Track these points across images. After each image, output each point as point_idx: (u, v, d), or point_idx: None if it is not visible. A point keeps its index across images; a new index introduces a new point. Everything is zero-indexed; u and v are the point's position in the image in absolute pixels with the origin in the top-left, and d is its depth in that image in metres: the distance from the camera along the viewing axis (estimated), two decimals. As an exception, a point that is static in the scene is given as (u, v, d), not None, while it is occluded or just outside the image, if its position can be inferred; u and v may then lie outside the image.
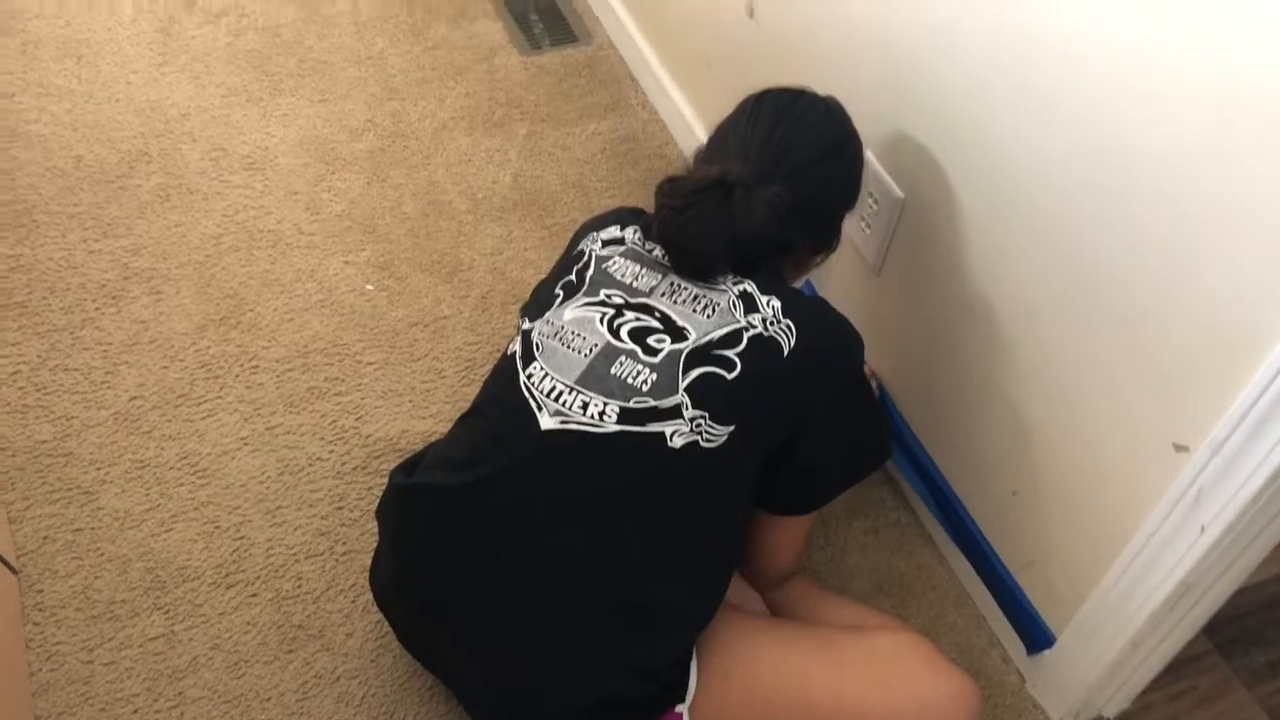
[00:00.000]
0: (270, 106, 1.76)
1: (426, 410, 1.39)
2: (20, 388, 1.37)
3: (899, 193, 1.18)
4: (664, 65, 1.76)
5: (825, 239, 1.08)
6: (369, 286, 1.52)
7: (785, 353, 0.93)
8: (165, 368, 1.41)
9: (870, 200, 1.23)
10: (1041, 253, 0.99)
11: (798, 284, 1.17)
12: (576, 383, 0.94)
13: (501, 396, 0.98)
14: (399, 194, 1.65)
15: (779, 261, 1.03)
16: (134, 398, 1.37)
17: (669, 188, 0.97)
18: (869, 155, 1.21)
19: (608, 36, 1.93)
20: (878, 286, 1.30)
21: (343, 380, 1.42)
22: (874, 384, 1.31)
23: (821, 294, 1.34)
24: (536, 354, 0.97)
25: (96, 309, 1.46)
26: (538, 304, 1.02)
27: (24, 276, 1.49)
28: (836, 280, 1.38)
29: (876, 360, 1.33)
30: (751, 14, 1.42)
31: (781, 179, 0.97)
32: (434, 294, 1.53)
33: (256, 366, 1.42)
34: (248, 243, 1.56)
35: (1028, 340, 1.05)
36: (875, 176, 1.21)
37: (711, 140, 1.05)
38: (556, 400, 0.93)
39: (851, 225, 1.29)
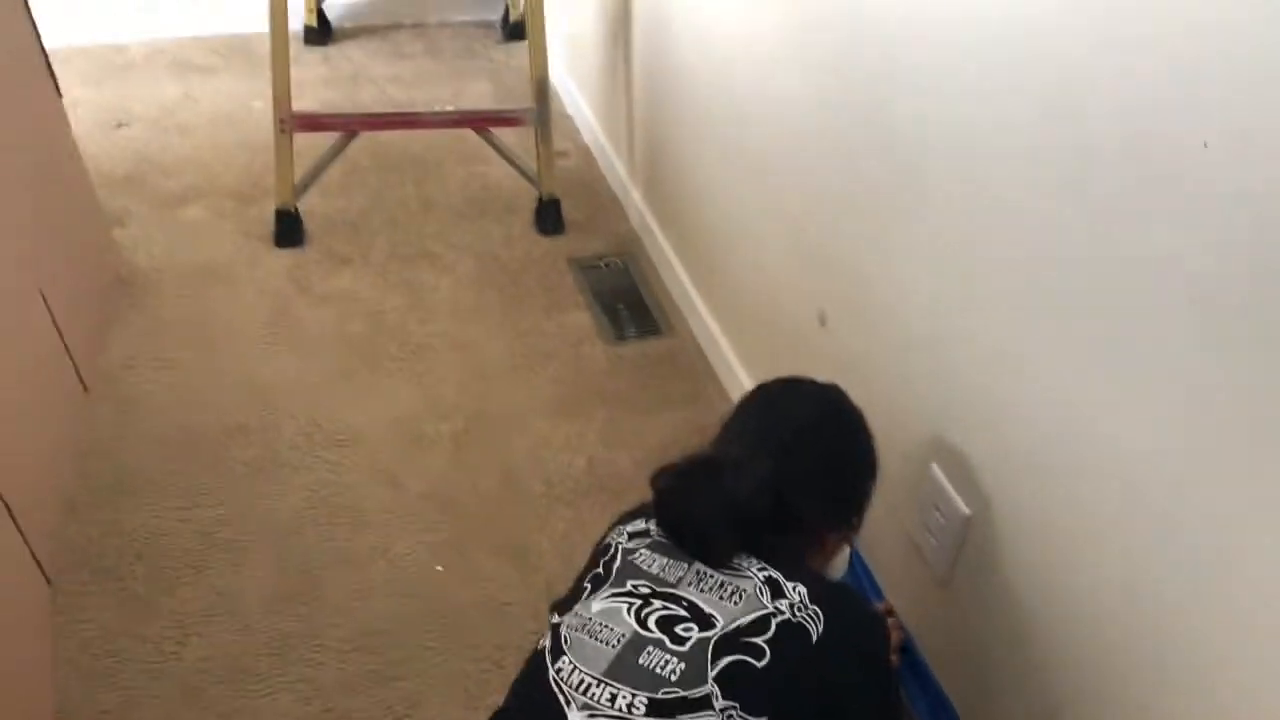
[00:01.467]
0: (367, 386, 1.86)
1: (481, 701, 1.37)
2: (93, 654, 1.40)
3: (965, 509, 1.18)
4: (741, 362, 1.83)
5: (838, 517, 1.09)
6: (439, 568, 1.55)
7: (814, 639, 0.92)
8: (234, 640, 1.43)
9: (936, 513, 1.23)
10: (1111, 582, 0.96)
11: (833, 565, 1.16)
12: (604, 674, 0.93)
13: (530, 692, 0.97)
14: (477, 474, 1.70)
15: (797, 543, 1.04)
16: (200, 670, 1.39)
17: (661, 472, 1.01)
18: (935, 469, 1.22)
19: (690, 331, 2.02)
20: (945, 597, 1.27)
21: (403, 664, 1.42)
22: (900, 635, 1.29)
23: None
24: (565, 648, 0.97)
25: (178, 577, 1.51)
26: (567, 599, 1.03)
27: (115, 541, 1.55)
28: (904, 589, 1.36)
29: (947, 679, 1.28)
30: (823, 322, 1.48)
31: (773, 454, 1.01)
32: (501, 578, 1.54)
33: (321, 645, 1.43)
34: (329, 518, 1.61)
35: (1094, 653, 1.00)
36: (940, 490, 1.21)
37: (717, 436, 1.09)
38: (585, 694, 0.92)
39: (918, 534, 1.28)
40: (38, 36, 1.82)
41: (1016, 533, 1.10)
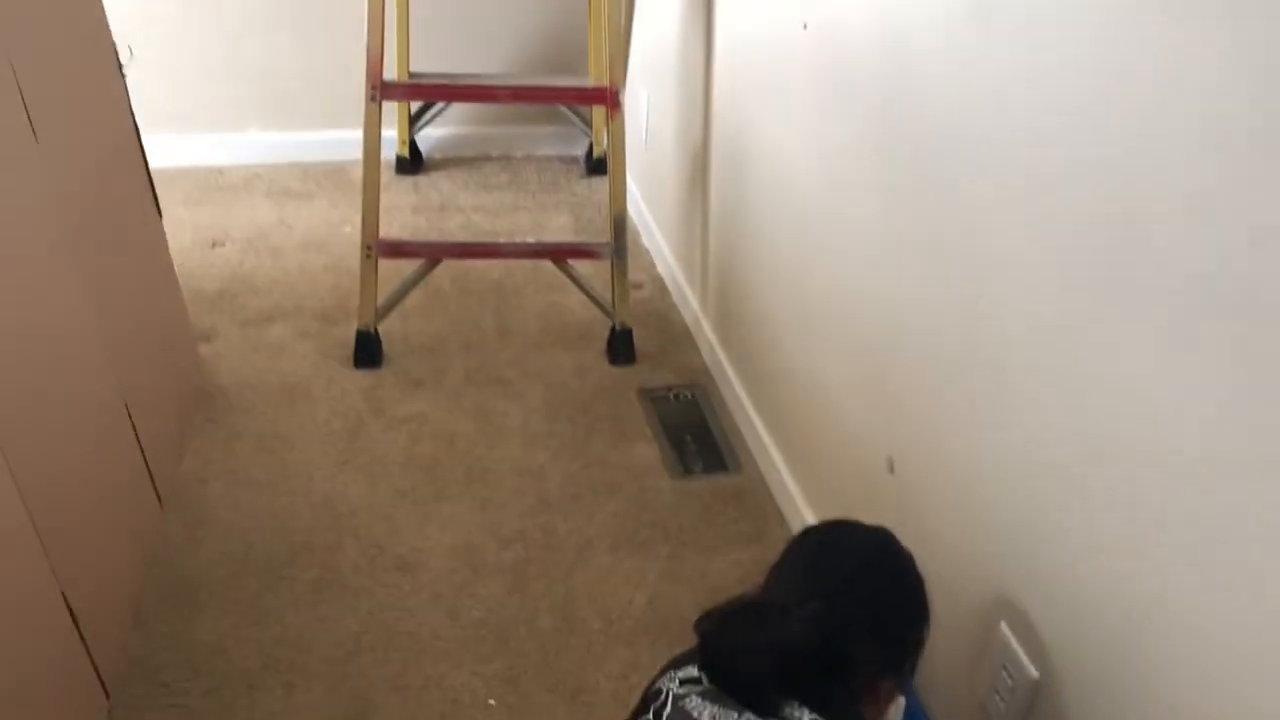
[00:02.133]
0: (432, 510, 1.87)
1: (527, 847, 1.33)
2: (143, 772, 1.40)
3: (1034, 673, 1.13)
4: (808, 502, 1.80)
5: (891, 664, 1.06)
6: (491, 701, 1.52)
7: None
8: (282, 767, 1.41)
9: (1004, 674, 1.18)
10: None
11: (887, 716, 1.11)
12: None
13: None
14: (537, 606, 1.68)
15: (848, 692, 1.00)
16: (245, 796, 1.37)
17: (706, 616, 0.98)
18: (1003, 627, 1.18)
19: (758, 468, 2.00)
20: (1017, 767, 1.21)
21: (449, 801, 1.38)
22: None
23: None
24: (614, 792, 0.94)
25: (233, 697, 1.50)
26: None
27: (176, 655, 1.56)
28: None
29: None
30: (892, 470, 1.45)
31: (821, 598, 0.98)
32: (553, 716, 1.51)
33: (368, 776, 1.41)
34: (385, 643, 1.60)
35: None
36: (1009, 651, 1.16)
37: (764, 580, 1.08)
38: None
39: (985, 694, 1.23)
40: (144, 158, 1.92)
41: (1087, 703, 1.05)
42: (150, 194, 1.94)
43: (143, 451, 1.75)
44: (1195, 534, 0.88)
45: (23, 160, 1.43)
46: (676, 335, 2.41)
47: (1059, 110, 1.03)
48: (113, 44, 1.80)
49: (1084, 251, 1.00)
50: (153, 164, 1.95)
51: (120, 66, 1.83)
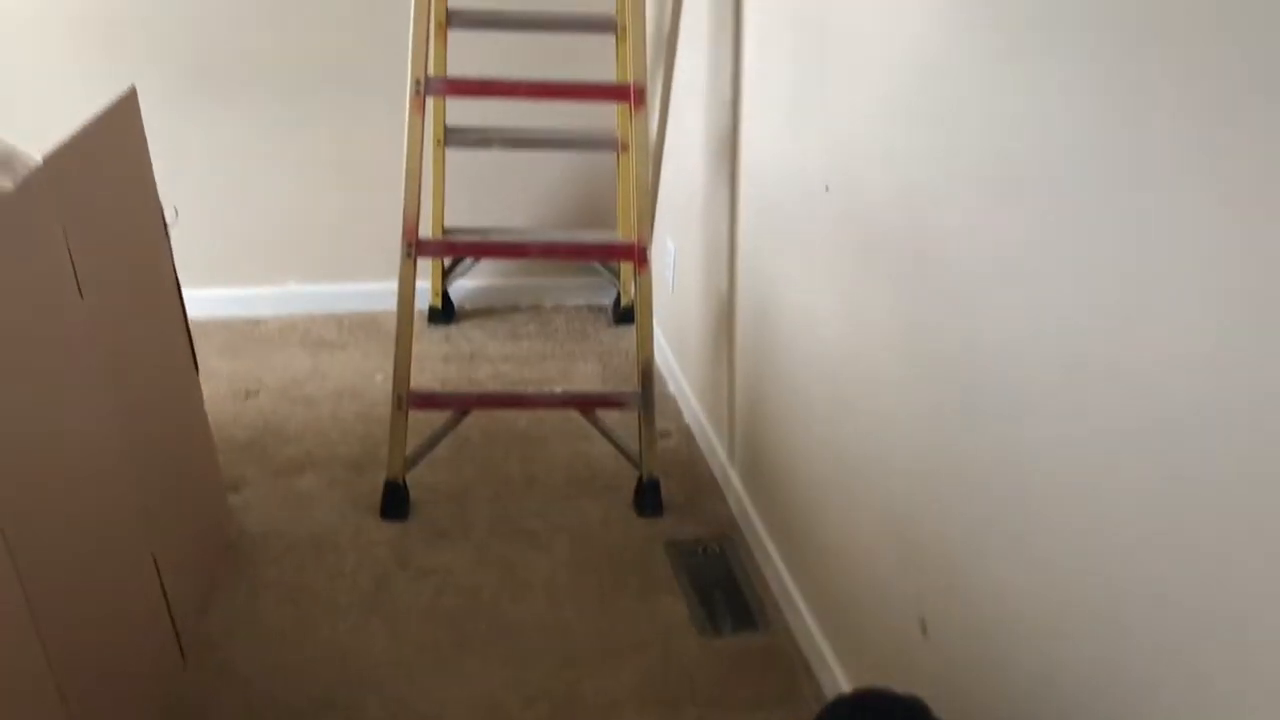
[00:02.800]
0: (456, 664, 1.84)
1: None
2: None
3: None
4: (839, 662, 1.76)
5: None
6: None
7: None
8: None
9: None
10: None
11: None
12: None
13: None
14: (561, 770, 1.64)
15: None
16: None
17: None
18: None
19: (787, 625, 1.96)
20: None
21: None
22: None
23: None
24: None
25: None
26: None
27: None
28: None
29: None
30: (924, 631, 1.42)
31: None
32: None
33: None
34: (404, 809, 1.56)
35: None
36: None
37: None
38: None
39: None
40: (184, 314, 1.98)
41: None
42: (188, 348, 1.99)
43: (168, 603, 1.74)
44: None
45: (68, 316, 1.48)
46: (704, 485, 2.41)
47: (1079, 288, 1.04)
48: (160, 205, 1.88)
49: (1115, 403, 1.00)
50: (193, 315, 2.00)
51: (166, 226, 1.90)
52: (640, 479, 2.28)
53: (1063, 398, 1.09)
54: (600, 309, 3.26)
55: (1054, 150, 1.09)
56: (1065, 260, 1.07)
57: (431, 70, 2.26)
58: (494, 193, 3.08)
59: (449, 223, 2.92)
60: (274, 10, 2.76)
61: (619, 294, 3.19)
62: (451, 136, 2.72)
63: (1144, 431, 0.96)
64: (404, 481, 2.23)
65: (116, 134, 1.70)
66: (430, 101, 2.20)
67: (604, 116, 2.80)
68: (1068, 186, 1.06)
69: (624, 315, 3.14)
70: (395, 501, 2.23)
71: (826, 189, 1.70)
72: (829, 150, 1.71)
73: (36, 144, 1.54)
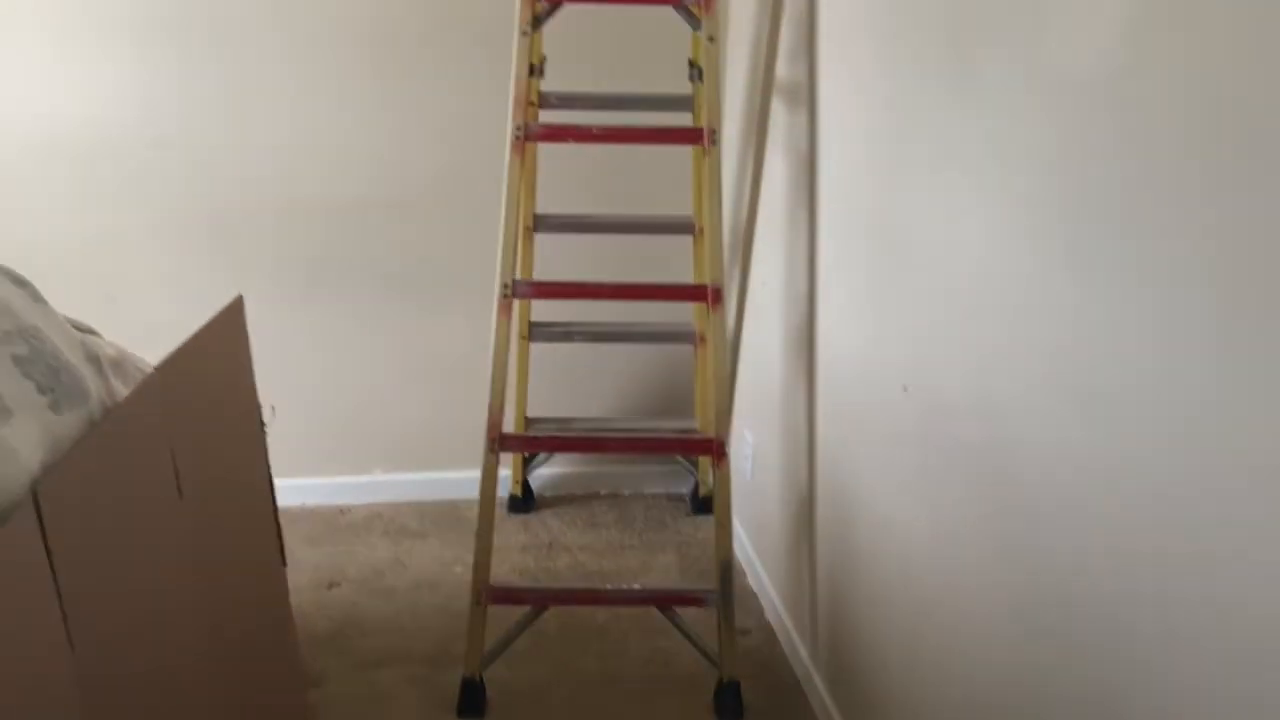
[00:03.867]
0: None
1: None
2: None
3: None
4: None
5: None
6: None
7: None
8: None
9: None
10: None
11: None
12: None
13: None
14: None
15: None
16: None
17: None
18: None
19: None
20: None
21: None
22: None
23: None
24: None
25: None
26: None
27: None
28: None
29: None
30: None
31: None
32: None
33: None
34: None
35: None
36: None
37: None
38: None
39: None
40: (274, 509, 2.03)
41: None
42: (277, 542, 2.03)
43: (243, 808, 1.72)
44: None
45: (167, 515, 1.53)
46: (787, 689, 2.33)
47: (1173, 511, 1.03)
48: (259, 404, 1.96)
49: (1206, 625, 0.97)
50: (281, 503, 2.05)
51: (262, 425, 1.97)
52: (720, 680, 2.23)
53: (1155, 626, 1.06)
54: (678, 498, 3.26)
55: (1131, 362, 1.09)
56: (1156, 483, 1.06)
57: (518, 270, 2.36)
58: (576, 381, 3.16)
59: (532, 412, 2.99)
60: (370, 216, 2.93)
61: (697, 483, 3.19)
62: (536, 331, 2.82)
63: (1253, 664, 0.93)
64: (480, 679, 2.21)
65: (223, 340, 1.79)
66: (516, 301, 2.29)
67: (683, 308, 2.88)
68: (1150, 402, 1.06)
69: (702, 504, 3.13)
70: (472, 700, 2.20)
71: (904, 390, 1.72)
72: (906, 351, 1.73)
73: (146, 342, 1.64)
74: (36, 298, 1.42)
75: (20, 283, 1.41)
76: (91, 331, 1.62)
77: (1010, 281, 1.37)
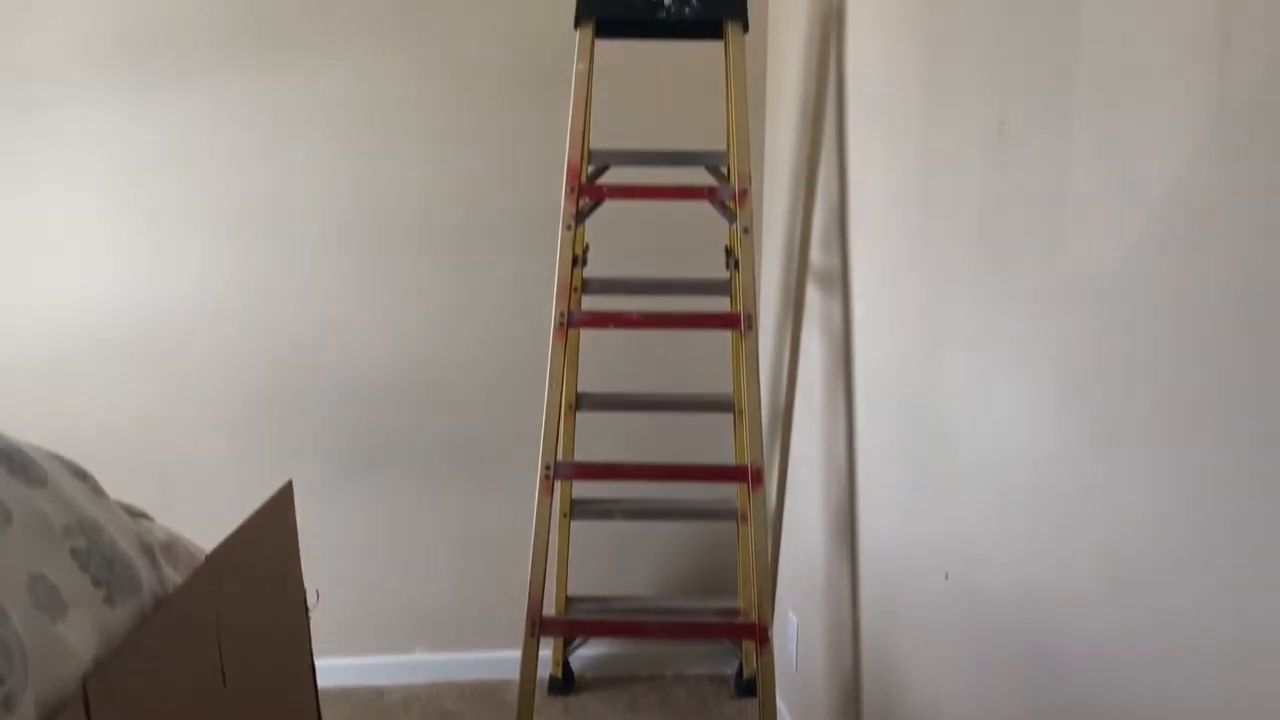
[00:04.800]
0: None
1: None
2: None
3: None
4: None
5: None
6: None
7: None
8: None
9: None
10: None
11: None
12: None
13: None
14: None
15: None
16: None
17: None
18: None
19: None
20: None
21: None
22: None
23: None
24: None
25: None
26: None
27: None
28: None
29: None
30: None
31: None
32: None
33: None
34: None
35: None
36: None
37: None
38: None
39: None
40: (315, 694, 2.02)
41: None
42: (316, 730, 2.02)
43: None
44: None
45: (211, 703, 1.54)
46: None
47: None
48: (304, 589, 1.98)
49: None
50: (320, 685, 2.04)
51: (307, 610, 1.99)
52: None
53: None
54: (722, 679, 3.19)
55: (1176, 556, 1.09)
56: (1205, 676, 1.04)
57: (560, 449, 2.41)
58: (618, 557, 3.16)
59: (573, 589, 2.98)
60: (417, 395, 3.02)
61: (741, 664, 3.13)
62: (578, 509, 2.84)
63: None
64: None
65: (272, 527, 1.83)
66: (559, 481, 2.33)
67: (726, 484, 2.90)
68: (1194, 594, 1.06)
69: (747, 687, 3.06)
70: None
71: (946, 577, 1.71)
72: (946, 535, 1.73)
73: (196, 519, 1.68)
74: (97, 490, 1.48)
75: (82, 476, 1.47)
76: (144, 515, 1.67)
77: (1046, 469, 1.38)
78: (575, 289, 2.66)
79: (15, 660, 1.08)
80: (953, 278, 1.71)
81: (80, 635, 1.21)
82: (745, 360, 2.26)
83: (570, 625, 2.78)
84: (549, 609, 2.75)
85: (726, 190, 2.30)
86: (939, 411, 1.76)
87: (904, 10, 1.93)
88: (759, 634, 2.17)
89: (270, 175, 2.90)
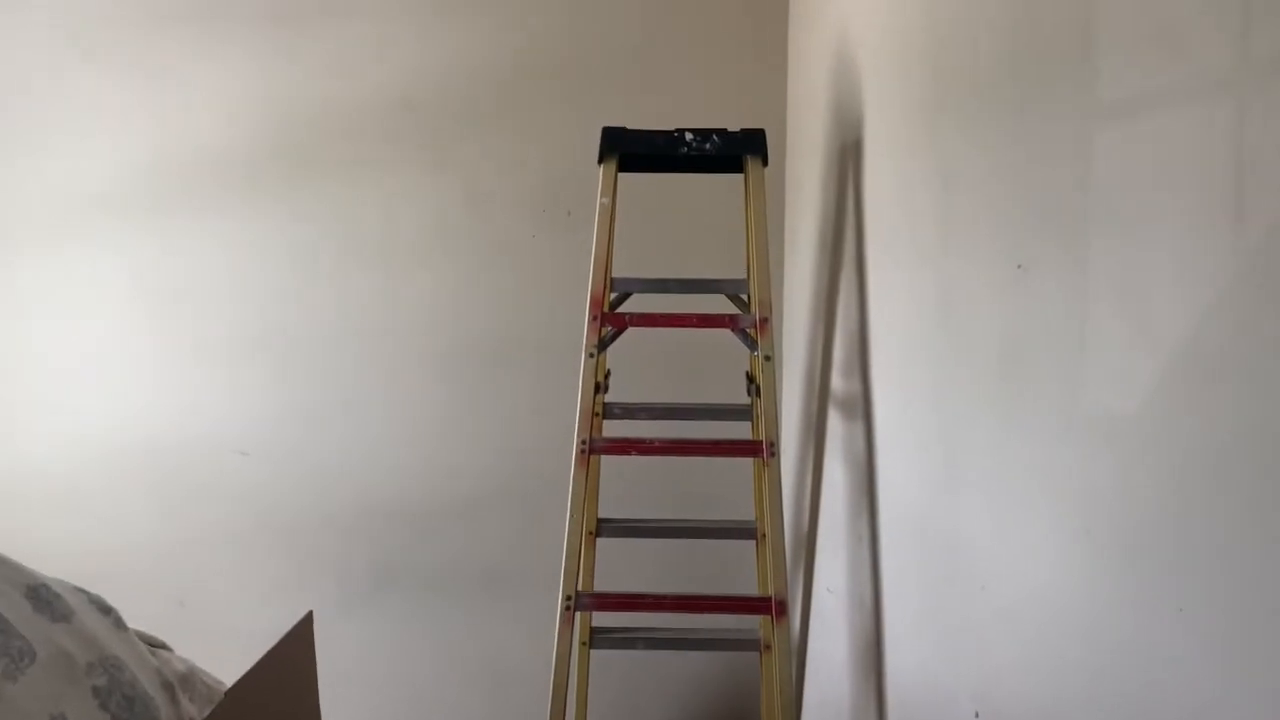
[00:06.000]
0: None
1: None
2: None
3: None
4: None
5: None
6: None
7: None
8: None
9: None
10: None
11: None
12: None
13: None
14: None
15: None
16: None
17: None
18: None
19: None
20: None
21: None
22: None
23: None
24: None
25: None
26: None
27: None
28: None
29: None
30: None
31: None
32: None
33: None
34: None
35: None
36: None
37: None
38: None
39: None
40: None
41: None
42: None
43: None
44: None
45: None
46: None
47: None
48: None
49: None
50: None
51: (323, 744, 1.96)
52: None
53: None
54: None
55: (1208, 695, 1.07)
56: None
57: (580, 577, 2.38)
58: (639, 687, 3.10)
59: (591, 723, 2.92)
60: (434, 522, 3.02)
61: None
62: (597, 639, 2.79)
63: None
64: None
65: (291, 659, 1.82)
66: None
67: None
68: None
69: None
70: None
71: (976, 716, 1.67)
72: (975, 673, 1.69)
73: (214, 646, 1.66)
74: (119, 625, 1.48)
75: (105, 610, 1.47)
76: (163, 646, 1.66)
77: (1070, 607, 1.36)
78: (597, 414, 2.68)
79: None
80: (972, 408, 1.71)
81: (98, 778, 1.20)
82: (768, 489, 2.25)
83: None
84: (568, 742, 2.68)
85: (747, 318, 2.32)
86: (960, 542, 1.75)
87: (918, 149, 1.98)
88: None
89: (291, 305, 2.97)
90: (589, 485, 2.50)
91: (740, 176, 2.45)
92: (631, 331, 2.53)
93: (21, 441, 2.93)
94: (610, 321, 2.34)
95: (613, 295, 2.53)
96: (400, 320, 2.99)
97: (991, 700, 1.62)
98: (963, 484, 1.75)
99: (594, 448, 2.29)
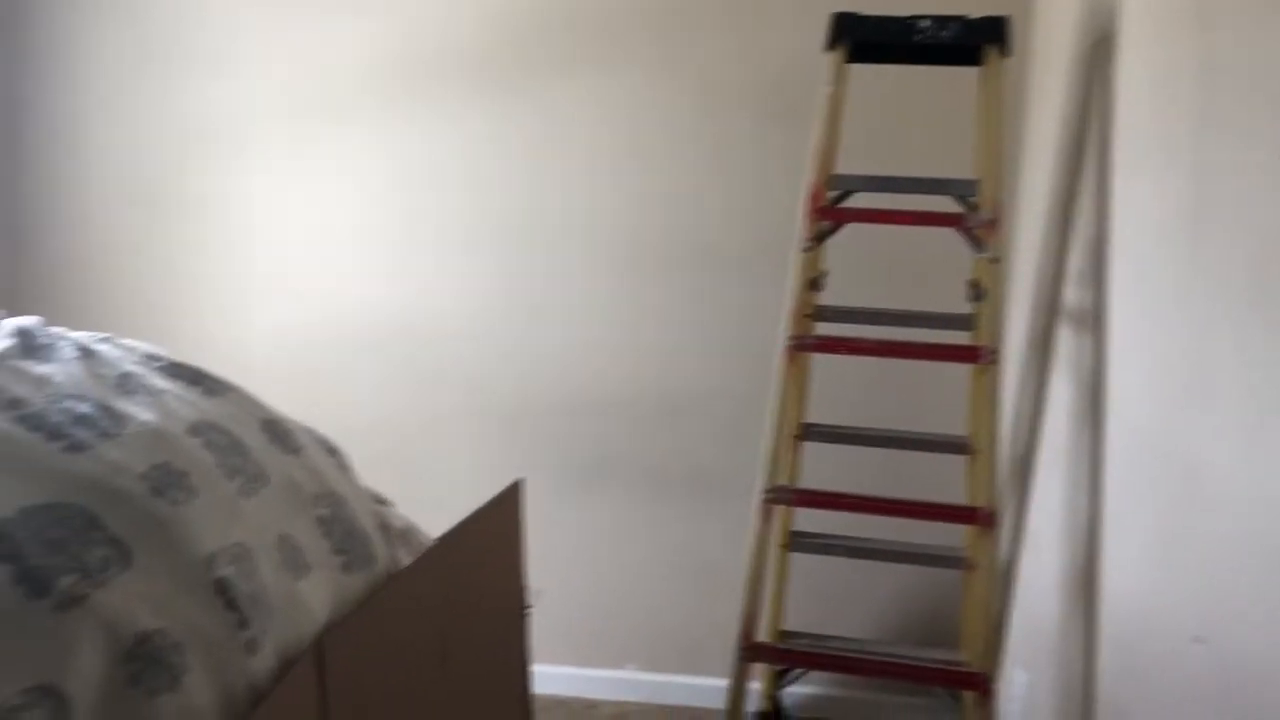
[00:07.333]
0: None
1: None
2: None
3: None
4: None
5: None
6: None
7: None
8: None
9: None
10: None
11: None
12: None
13: None
14: None
15: None
16: None
17: None
18: None
19: None
20: None
21: None
22: None
23: None
24: None
25: None
26: None
27: None
28: None
29: None
30: None
31: None
32: None
33: None
34: None
35: None
36: None
37: None
38: None
39: None
40: (529, 691, 2.06)
41: None
42: (528, 724, 2.06)
43: None
44: None
45: (428, 680, 1.59)
46: None
47: None
48: (525, 586, 2.04)
49: None
50: (535, 690, 2.09)
51: (527, 606, 2.04)
52: None
53: None
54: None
55: None
56: None
57: (781, 476, 2.37)
58: (834, 598, 3.07)
59: (787, 625, 2.91)
60: (644, 415, 3.06)
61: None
62: (796, 542, 2.78)
63: None
64: None
65: (499, 521, 1.90)
66: (778, 508, 2.29)
67: (953, 531, 2.76)
68: None
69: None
70: None
71: (1197, 641, 1.55)
72: (1200, 598, 1.58)
73: (435, 512, 1.75)
74: (343, 466, 1.57)
75: (331, 451, 1.57)
76: (387, 503, 1.76)
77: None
78: (809, 315, 2.63)
79: (261, 609, 1.16)
80: (1225, 318, 1.57)
81: (318, 595, 1.29)
82: (986, 396, 2.16)
83: (781, 654, 2.72)
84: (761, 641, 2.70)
85: (976, 218, 2.21)
86: (1199, 461, 1.62)
87: (1180, 36, 1.80)
88: (981, 684, 2.05)
89: (523, 195, 3.05)
90: (796, 384, 2.46)
91: (969, 75, 2.31)
92: (849, 238, 2.45)
93: (258, 317, 3.18)
94: (827, 216, 2.28)
95: (833, 194, 2.46)
96: (620, 217, 3.02)
97: (1217, 628, 1.51)
98: (1208, 400, 1.62)
99: (801, 344, 2.26)
